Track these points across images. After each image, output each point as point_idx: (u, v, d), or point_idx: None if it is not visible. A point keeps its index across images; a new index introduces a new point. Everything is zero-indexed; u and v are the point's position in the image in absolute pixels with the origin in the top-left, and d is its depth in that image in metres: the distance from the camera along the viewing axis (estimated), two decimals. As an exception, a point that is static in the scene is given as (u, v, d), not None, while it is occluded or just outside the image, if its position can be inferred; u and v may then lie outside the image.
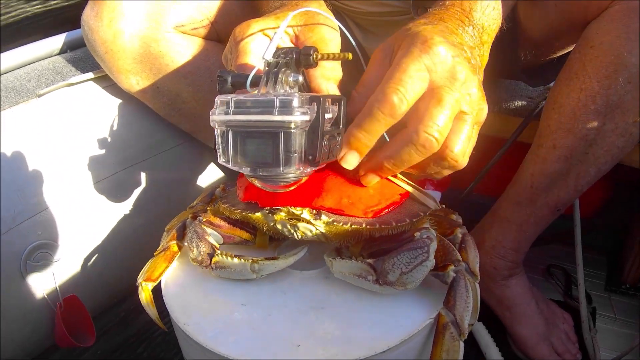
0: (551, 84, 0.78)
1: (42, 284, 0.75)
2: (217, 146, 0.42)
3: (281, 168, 0.40)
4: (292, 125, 0.38)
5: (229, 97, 0.41)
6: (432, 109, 0.42)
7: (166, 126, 0.87)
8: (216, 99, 0.42)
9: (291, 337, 0.45)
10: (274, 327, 0.46)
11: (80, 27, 0.74)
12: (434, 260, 0.44)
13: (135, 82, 0.75)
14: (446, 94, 0.42)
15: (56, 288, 0.75)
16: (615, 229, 0.94)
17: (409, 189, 0.52)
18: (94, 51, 0.73)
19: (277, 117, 0.38)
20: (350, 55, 0.45)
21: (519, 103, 0.79)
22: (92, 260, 0.82)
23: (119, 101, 0.83)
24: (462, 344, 0.43)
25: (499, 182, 0.74)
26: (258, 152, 0.40)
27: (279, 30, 0.46)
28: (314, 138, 0.40)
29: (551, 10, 0.64)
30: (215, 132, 0.42)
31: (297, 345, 0.44)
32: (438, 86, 0.43)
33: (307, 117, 0.39)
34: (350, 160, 0.46)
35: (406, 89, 0.41)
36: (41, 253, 0.74)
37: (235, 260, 0.50)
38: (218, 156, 0.43)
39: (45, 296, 0.75)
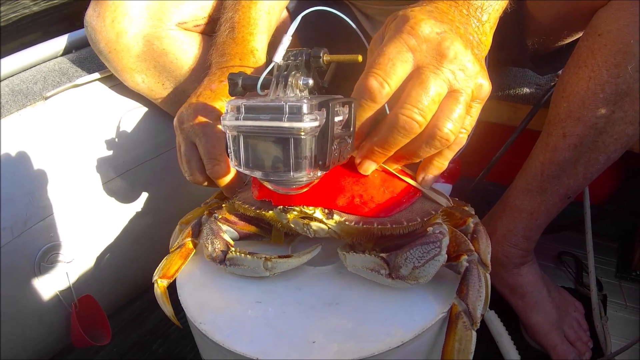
0: (559, 72, 0.78)
1: (56, 285, 0.76)
2: (228, 150, 0.43)
3: (292, 173, 0.40)
4: (302, 132, 0.39)
5: (239, 101, 0.41)
6: (412, 90, 0.41)
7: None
8: (226, 104, 0.42)
9: (306, 333, 0.45)
10: (289, 324, 0.46)
11: (83, 26, 0.74)
12: (446, 255, 0.44)
13: (141, 80, 0.75)
14: (430, 73, 0.41)
15: (70, 288, 0.76)
16: (625, 215, 0.94)
17: (420, 187, 0.52)
18: (98, 51, 0.73)
19: (286, 124, 0.38)
20: (360, 58, 0.45)
21: (527, 90, 0.79)
22: (105, 259, 0.82)
23: (126, 100, 0.83)
24: (474, 334, 0.43)
25: (510, 169, 0.74)
26: (269, 157, 0.41)
27: (288, 31, 0.46)
28: (323, 143, 0.40)
29: None
30: (227, 136, 0.42)
31: (313, 342, 0.44)
32: (422, 65, 0.42)
33: (316, 123, 0.39)
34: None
35: (385, 72, 0.41)
36: (54, 255, 0.74)
37: (249, 257, 0.50)
38: (230, 160, 0.43)
39: (60, 297, 0.75)
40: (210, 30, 0.77)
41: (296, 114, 0.38)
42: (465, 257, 0.46)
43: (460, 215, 0.54)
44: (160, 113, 0.84)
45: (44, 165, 0.74)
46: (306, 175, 0.41)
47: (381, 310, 0.46)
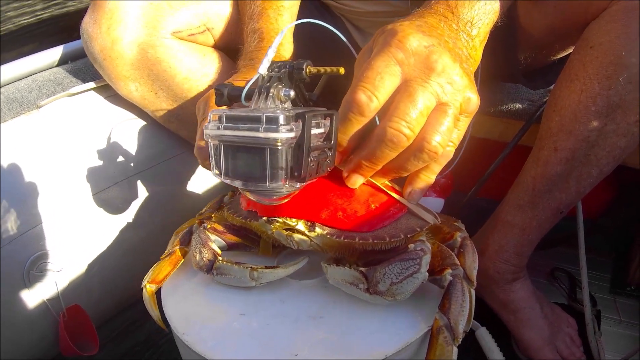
0: (552, 87, 0.78)
1: (45, 293, 0.76)
2: (210, 159, 0.43)
3: (267, 184, 0.40)
4: (278, 143, 0.39)
5: (221, 111, 0.42)
6: (400, 103, 0.42)
7: (167, 135, 0.88)
8: (210, 114, 0.43)
9: (289, 346, 0.45)
10: (272, 336, 0.46)
11: (80, 38, 0.74)
12: (427, 273, 0.43)
13: (134, 88, 0.76)
14: (418, 86, 0.42)
15: (59, 297, 0.76)
16: (620, 230, 0.93)
17: (407, 203, 0.52)
18: (93, 58, 0.74)
19: (262, 134, 0.39)
20: (342, 70, 0.45)
21: (519, 106, 0.79)
22: (95, 270, 0.82)
23: (120, 111, 0.84)
24: (455, 349, 0.42)
25: (502, 185, 0.74)
26: (247, 166, 0.41)
27: (274, 43, 0.47)
28: (299, 155, 0.41)
29: (550, 11, 0.64)
30: (209, 145, 0.43)
31: (295, 355, 0.44)
32: (410, 78, 0.42)
33: (292, 135, 0.39)
34: (338, 162, 0.47)
35: (374, 85, 0.41)
36: (43, 263, 0.74)
37: (235, 267, 0.50)
38: (212, 169, 0.43)
39: (49, 306, 0.75)
40: (204, 39, 0.78)
41: (273, 125, 0.39)
42: (449, 271, 0.45)
43: (448, 230, 0.54)
44: (154, 125, 0.84)
45: (36, 173, 0.75)
46: (284, 187, 0.41)
47: (365, 324, 0.46)
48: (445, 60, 0.42)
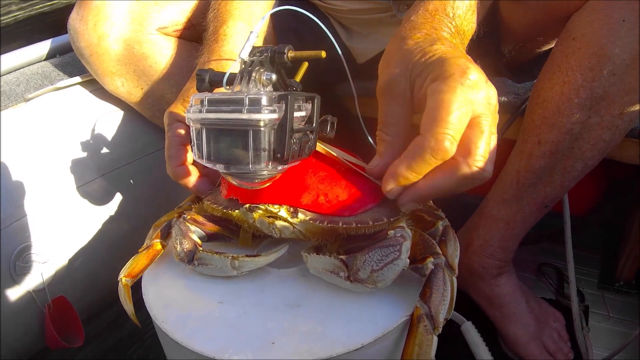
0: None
1: (31, 285, 0.76)
2: (192, 143, 0.43)
3: (250, 166, 0.40)
4: (261, 124, 0.39)
5: (203, 95, 0.42)
6: (478, 142, 0.41)
7: (153, 129, 0.88)
8: (191, 97, 0.43)
9: (266, 334, 0.45)
10: (249, 324, 0.46)
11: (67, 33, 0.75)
12: (408, 260, 0.43)
13: (120, 83, 0.76)
14: (486, 122, 0.42)
15: (45, 289, 0.76)
16: (608, 226, 0.93)
17: None
18: (80, 54, 0.74)
19: (245, 116, 0.39)
20: (323, 53, 0.46)
21: (505, 99, 0.79)
22: (81, 262, 0.82)
23: (106, 105, 0.84)
24: (435, 338, 0.42)
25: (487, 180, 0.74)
26: (229, 149, 0.41)
27: (255, 29, 0.47)
28: (282, 136, 0.41)
29: (533, 4, 0.63)
30: (191, 130, 0.43)
31: (272, 343, 0.44)
32: (478, 115, 0.42)
33: (275, 116, 0.40)
34: (395, 193, 0.45)
35: (456, 131, 0.40)
36: (29, 254, 0.74)
37: (216, 256, 0.50)
38: (194, 153, 0.44)
39: (35, 297, 0.75)
40: (190, 35, 0.78)
41: (256, 106, 0.39)
42: (431, 259, 0.45)
43: (429, 218, 0.53)
44: (139, 118, 0.85)
45: (22, 165, 0.75)
46: (266, 169, 0.41)
47: (343, 313, 0.46)
48: (496, 95, 0.43)
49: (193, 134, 0.43)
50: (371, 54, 0.85)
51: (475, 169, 0.42)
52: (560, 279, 0.89)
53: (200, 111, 0.41)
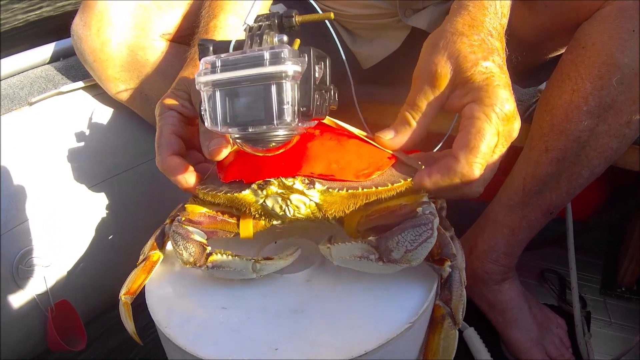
0: (542, 86, 0.78)
1: (34, 288, 0.76)
2: (203, 111, 0.41)
3: (275, 121, 0.38)
4: (288, 74, 0.38)
5: (215, 57, 0.40)
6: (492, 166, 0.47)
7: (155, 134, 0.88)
8: (201, 62, 0.41)
9: (269, 340, 0.45)
10: (253, 330, 0.46)
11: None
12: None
13: (124, 89, 0.76)
14: (500, 149, 0.47)
15: (47, 293, 0.76)
16: (610, 231, 0.93)
17: (394, 152, 0.51)
18: (84, 60, 0.74)
19: (268, 69, 0.38)
20: (332, 15, 0.45)
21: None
22: (83, 265, 0.82)
23: (109, 109, 0.84)
24: (457, 333, 0.45)
25: (491, 186, 0.73)
26: (248, 109, 0.39)
27: None
28: (307, 89, 0.40)
29: (542, 11, 0.64)
30: (202, 96, 0.41)
31: (275, 349, 0.44)
32: (498, 144, 0.46)
33: (299, 67, 0.38)
34: None
35: (485, 158, 0.45)
36: (32, 258, 0.75)
37: (237, 259, 0.48)
38: (205, 122, 0.41)
39: (37, 301, 0.75)
40: (194, 41, 0.78)
41: (278, 58, 0.38)
42: (448, 262, 0.46)
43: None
44: (142, 123, 0.85)
45: (25, 170, 0.75)
46: (288, 126, 0.39)
47: (347, 319, 0.46)
48: (517, 124, 0.47)
49: (205, 100, 0.40)
50: (376, 59, 0.84)
51: (475, 191, 0.48)
52: (562, 285, 0.89)
53: (214, 72, 0.39)
